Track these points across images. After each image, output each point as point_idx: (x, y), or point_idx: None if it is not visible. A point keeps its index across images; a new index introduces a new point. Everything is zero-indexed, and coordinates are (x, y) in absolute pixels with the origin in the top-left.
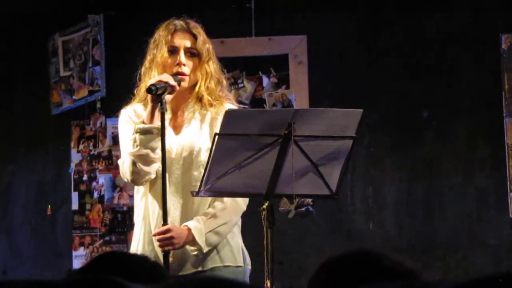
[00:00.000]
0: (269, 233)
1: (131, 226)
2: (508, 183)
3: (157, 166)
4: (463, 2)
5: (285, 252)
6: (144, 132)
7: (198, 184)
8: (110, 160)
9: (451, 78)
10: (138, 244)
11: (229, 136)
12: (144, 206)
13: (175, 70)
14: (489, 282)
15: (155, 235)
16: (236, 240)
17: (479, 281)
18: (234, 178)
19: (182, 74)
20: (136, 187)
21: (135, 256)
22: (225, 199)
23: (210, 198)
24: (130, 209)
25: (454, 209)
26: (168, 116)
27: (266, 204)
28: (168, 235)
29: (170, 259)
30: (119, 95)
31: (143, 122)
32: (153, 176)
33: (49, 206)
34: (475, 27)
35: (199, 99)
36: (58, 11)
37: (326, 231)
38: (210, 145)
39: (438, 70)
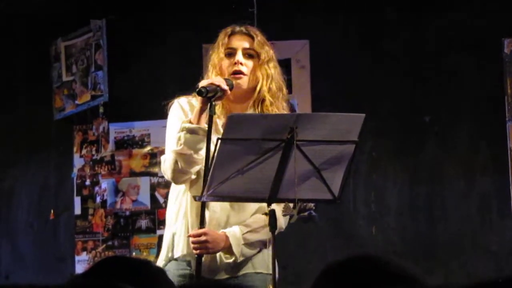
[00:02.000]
0: (271, 238)
1: (134, 231)
2: (510, 187)
3: (199, 167)
4: (465, 7)
5: (288, 256)
6: (190, 131)
7: None
8: (113, 165)
9: (453, 83)
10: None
11: (232, 140)
12: (185, 203)
13: (232, 69)
14: (491, 287)
15: (190, 236)
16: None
17: (481, 286)
18: (236, 183)
19: (240, 72)
20: (173, 185)
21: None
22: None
23: (256, 206)
24: (133, 214)
25: (456, 214)
26: (222, 119)
27: (269, 208)
28: (203, 238)
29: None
30: (121, 100)
31: (190, 122)
32: (193, 177)
33: (52, 211)
34: (477, 31)
35: (259, 103)
36: (60, 16)
37: (328, 236)
38: None
39: (440, 75)
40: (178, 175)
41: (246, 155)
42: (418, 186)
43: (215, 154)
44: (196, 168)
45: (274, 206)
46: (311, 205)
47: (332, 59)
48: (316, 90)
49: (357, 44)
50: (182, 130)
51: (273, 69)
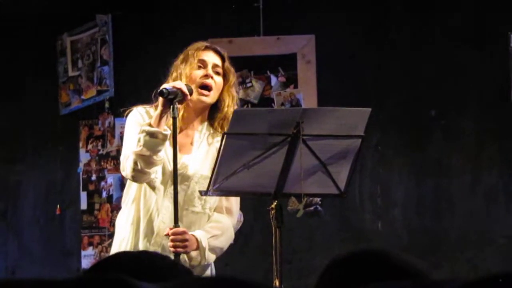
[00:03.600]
0: (277, 232)
1: None
2: None
3: (157, 168)
4: (471, 1)
5: (293, 251)
6: (149, 134)
7: (194, 203)
8: (119, 160)
9: (460, 77)
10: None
11: (238, 135)
12: (134, 210)
13: (201, 80)
14: (497, 280)
15: (169, 234)
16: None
17: (487, 279)
18: (242, 178)
19: (209, 88)
20: (126, 190)
21: (146, 254)
22: (223, 222)
23: (203, 220)
24: None
25: (462, 207)
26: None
27: (275, 203)
28: (185, 236)
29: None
30: (127, 95)
31: (150, 125)
32: (153, 176)
33: (58, 206)
34: (483, 26)
35: (220, 121)
36: (66, 11)
37: (334, 230)
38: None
39: (446, 69)
40: (138, 174)
41: (252, 150)
42: (425, 180)
43: (221, 148)
44: (155, 169)
45: (224, 219)
46: (317, 199)
47: (338, 53)
48: (322, 85)
49: (363, 38)
50: (142, 132)
51: (236, 94)
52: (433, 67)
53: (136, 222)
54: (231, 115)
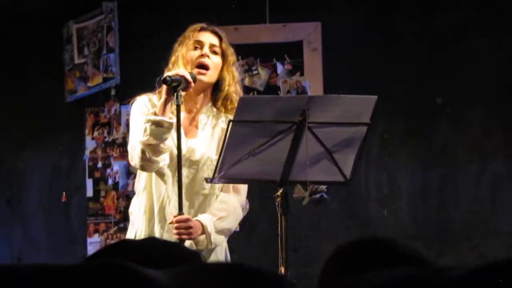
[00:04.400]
0: (283, 220)
1: None
2: None
3: (165, 156)
4: None
5: (299, 238)
6: (155, 123)
7: (203, 185)
8: (125, 147)
9: (466, 64)
10: (138, 236)
11: (243, 122)
12: (146, 198)
13: (197, 61)
14: (501, 267)
15: (174, 222)
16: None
17: (491, 266)
18: (248, 165)
19: (205, 66)
20: (137, 179)
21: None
22: (229, 202)
23: (213, 200)
24: None
25: (468, 196)
26: (182, 113)
27: (280, 191)
28: (189, 224)
29: None
30: (133, 82)
31: (155, 114)
32: (161, 164)
33: (64, 193)
34: (491, 13)
35: (222, 101)
36: None
37: (340, 218)
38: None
39: (453, 57)
40: (146, 163)
41: (258, 137)
42: (430, 168)
43: (227, 135)
44: (164, 157)
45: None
46: (323, 187)
47: (344, 41)
48: (328, 73)
49: (369, 26)
50: (148, 122)
51: (236, 72)
52: (440, 55)
53: (149, 210)
54: (233, 94)
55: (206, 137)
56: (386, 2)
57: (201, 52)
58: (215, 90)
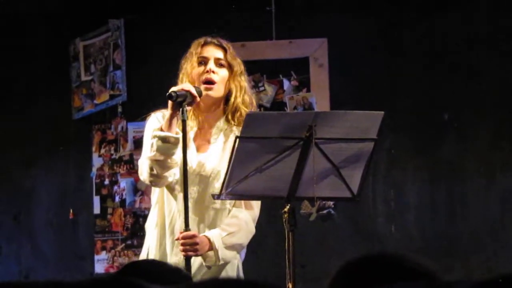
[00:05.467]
0: (290, 236)
1: None
2: None
3: (174, 171)
4: (486, 2)
5: (306, 254)
6: (161, 139)
7: (213, 200)
8: (132, 164)
9: (473, 79)
10: (150, 251)
11: (250, 139)
12: (157, 214)
13: (203, 77)
14: (508, 281)
15: (179, 239)
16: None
17: (498, 279)
18: (255, 181)
19: (211, 82)
20: (152, 193)
21: (154, 262)
22: (241, 217)
23: (224, 215)
24: None
25: (476, 210)
26: (194, 129)
27: (288, 207)
28: (195, 240)
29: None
30: (140, 99)
31: (162, 129)
32: (170, 179)
33: (71, 210)
34: (497, 27)
35: (231, 114)
36: (79, 15)
37: (347, 234)
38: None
39: (459, 72)
40: (155, 179)
41: (265, 154)
42: (438, 183)
43: (234, 152)
44: (172, 172)
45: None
46: (330, 203)
47: (350, 57)
48: (335, 88)
49: (376, 41)
50: (154, 137)
51: (245, 82)
52: (446, 70)
53: (160, 225)
54: (241, 106)
55: (216, 151)
56: (392, 18)
57: (205, 68)
58: (226, 102)
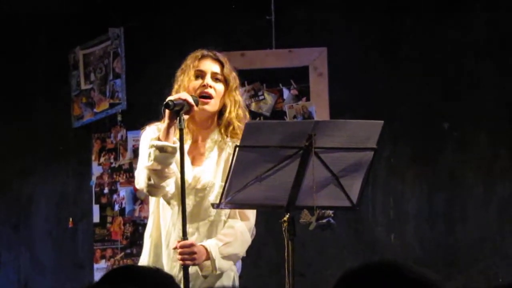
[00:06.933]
0: (290, 245)
1: None
2: None
3: (171, 181)
4: (484, 12)
5: (306, 263)
6: (158, 148)
7: (209, 212)
8: (131, 173)
9: (472, 89)
10: (147, 260)
11: (250, 148)
12: (152, 223)
13: (200, 91)
14: None
15: (178, 247)
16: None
17: None
18: (254, 190)
19: (208, 96)
20: (150, 202)
21: (146, 268)
22: (237, 228)
23: (220, 227)
24: None
25: (476, 220)
26: (188, 142)
27: (287, 216)
28: (193, 249)
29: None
30: (139, 108)
31: (159, 139)
32: (167, 189)
33: (70, 219)
34: (496, 36)
35: (225, 128)
36: (78, 24)
37: (347, 243)
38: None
39: (459, 81)
40: (152, 189)
41: (264, 163)
42: (437, 192)
43: (233, 161)
44: (169, 182)
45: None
46: (330, 212)
47: (350, 66)
48: (334, 97)
49: (375, 50)
50: (151, 147)
51: (239, 96)
52: (445, 80)
53: (155, 235)
54: (234, 120)
55: (211, 164)
56: (391, 27)
57: (202, 82)
58: (220, 116)
